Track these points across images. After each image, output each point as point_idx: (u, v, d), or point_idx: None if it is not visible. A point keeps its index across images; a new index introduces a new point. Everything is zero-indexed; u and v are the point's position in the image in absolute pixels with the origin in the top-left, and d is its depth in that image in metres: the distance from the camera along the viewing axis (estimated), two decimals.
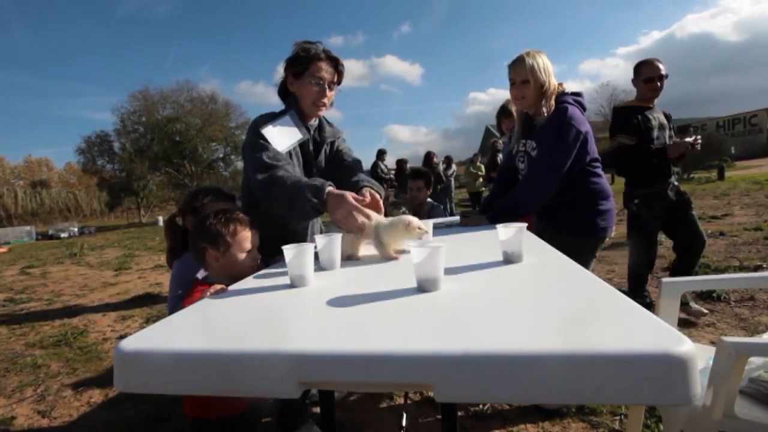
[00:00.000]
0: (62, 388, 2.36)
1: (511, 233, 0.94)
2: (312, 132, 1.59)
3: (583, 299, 0.66)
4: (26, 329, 3.62)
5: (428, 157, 7.47)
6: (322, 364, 0.52)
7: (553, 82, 1.67)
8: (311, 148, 1.58)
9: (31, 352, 3.02)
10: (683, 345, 0.45)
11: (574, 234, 1.68)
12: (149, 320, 3.11)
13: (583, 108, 1.69)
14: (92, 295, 4.89)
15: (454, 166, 9.99)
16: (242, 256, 1.16)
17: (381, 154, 7.90)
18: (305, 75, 1.47)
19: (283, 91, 1.57)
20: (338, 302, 0.73)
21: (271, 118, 1.47)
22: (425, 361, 0.50)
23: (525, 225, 0.97)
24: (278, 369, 0.52)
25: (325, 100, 1.50)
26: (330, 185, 1.21)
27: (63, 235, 16.45)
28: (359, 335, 0.58)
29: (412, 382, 0.51)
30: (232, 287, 0.94)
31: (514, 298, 0.70)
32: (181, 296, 1.12)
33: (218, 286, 0.94)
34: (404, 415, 1.44)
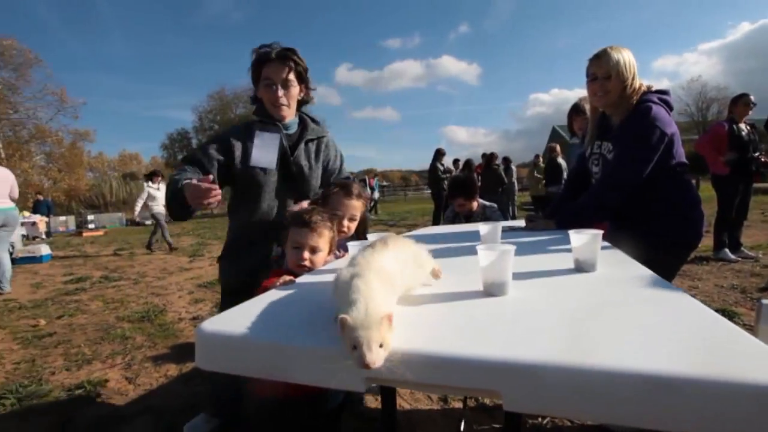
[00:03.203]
0: (145, 359, 2.62)
1: (585, 240, 0.89)
2: (290, 130, 1.62)
3: (669, 317, 0.61)
4: (117, 304, 4.07)
5: (489, 158, 7.26)
6: (389, 362, 0.52)
7: (637, 81, 1.55)
8: (285, 143, 1.58)
9: (121, 324, 3.38)
10: None
11: (656, 245, 1.54)
12: (217, 305, 3.35)
13: (669, 107, 1.55)
14: (170, 278, 5.37)
15: (513, 168, 9.62)
16: (289, 251, 1.22)
17: (439, 154, 7.82)
18: (261, 79, 1.51)
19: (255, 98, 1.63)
20: (402, 300, 0.73)
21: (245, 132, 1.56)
22: (495, 367, 0.48)
23: (600, 232, 0.91)
24: (346, 363, 0.54)
25: (283, 100, 1.51)
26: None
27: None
28: (426, 335, 0.58)
29: (480, 388, 0.50)
30: (301, 279, 0.99)
31: (590, 309, 0.66)
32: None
33: (287, 278, 0.99)
34: (463, 422, 1.41)
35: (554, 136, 31.92)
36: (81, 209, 21.98)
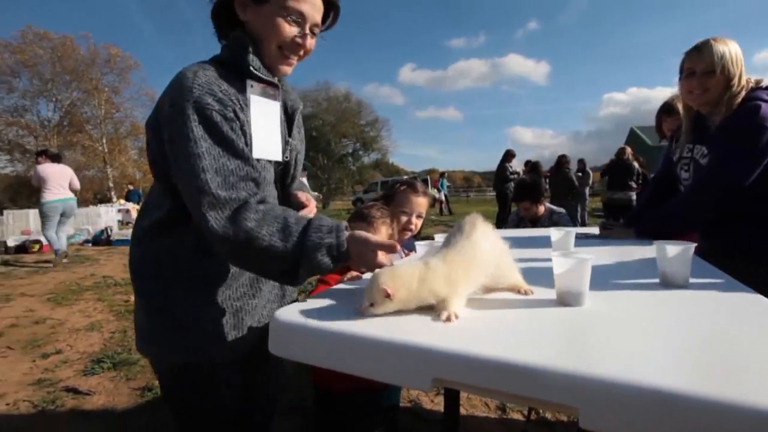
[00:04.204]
0: None
1: (675, 252, 0.81)
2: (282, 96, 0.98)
3: None
4: None
5: (559, 160, 6.87)
6: (461, 365, 0.52)
7: (744, 77, 1.37)
8: (284, 118, 0.99)
9: None
10: None
11: (758, 261, 1.36)
12: (302, 292, 3.51)
13: None
14: None
15: (589, 172, 9.02)
16: None
17: (508, 155, 7.56)
18: (274, 1, 0.84)
19: (225, 17, 0.90)
20: (475, 303, 0.72)
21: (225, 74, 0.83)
22: (574, 381, 0.46)
23: (693, 245, 0.82)
24: (415, 361, 0.54)
25: (302, 51, 0.91)
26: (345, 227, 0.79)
27: None
28: (496, 341, 0.56)
29: (555, 401, 0.48)
30: (367, 276, 1.01)
31: (681, 328, 0.60)
32: None
33: (354, 273, 1.01)
34: None
35: (632, 138, 29.45)
36: None
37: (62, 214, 5.69)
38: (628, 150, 6.22)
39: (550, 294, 0.75)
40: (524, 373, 0.48)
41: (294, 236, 0.74)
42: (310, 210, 1.01)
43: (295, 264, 0.74)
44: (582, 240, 1.50)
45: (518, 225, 2.64)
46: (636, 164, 6.05)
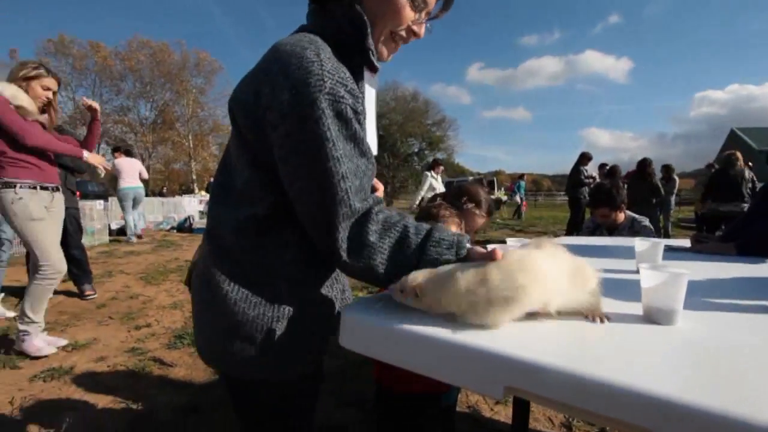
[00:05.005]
0: None
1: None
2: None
3: None
4: None
5: (642, 165, 6.30)
6: (536, 376, 0.50)
7: None
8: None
9: None
10: None
11: None
12: (362, 288, 3.61)
13: None
14: None
15: (676, 179, 8.16)
16: None
17: (584, 158, 7.07)
18: None
19: None
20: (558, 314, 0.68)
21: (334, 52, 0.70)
22: (660, 404, 0.42)
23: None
24: (488, 367, 0.53)
25: (411, 40, 0.81)
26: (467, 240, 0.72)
27: None
28: (574, 353, 0.53)
29: (637, 423, 0.44)
30: None
31: None
32: None
33: None
34: None
35: (733, 140, 26.15)
36: None
37: (134, 200, 7.00)
38: (739, 155, 5.49)
39: (632, 308, 0.69)
40: (606, 390, 0.45)
41: (412, 247, 0.68)
42: (378, 194, 0.88)
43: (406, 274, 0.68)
44: (671, 253, 1.37)
45: (593, 232, 2.47)
46: (748, 171, 5.33)
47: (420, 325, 0.62)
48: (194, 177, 27.60)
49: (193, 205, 11.91)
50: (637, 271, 1.05)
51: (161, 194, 18.21)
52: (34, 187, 2.37)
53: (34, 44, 27.86)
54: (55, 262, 2.41)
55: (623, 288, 0.88)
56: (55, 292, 3.87)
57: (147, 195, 9.83)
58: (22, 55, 24.43)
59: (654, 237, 2.02)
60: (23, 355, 2.44)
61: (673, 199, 8.04)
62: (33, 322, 2.44)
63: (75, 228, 3.64)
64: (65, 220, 3.60)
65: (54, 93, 2.49)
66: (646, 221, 2.41)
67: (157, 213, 10.62)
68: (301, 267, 0.75)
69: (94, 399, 2.02)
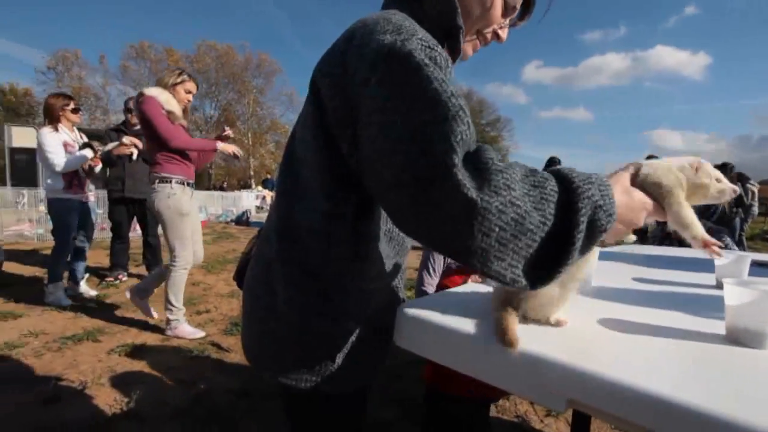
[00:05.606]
0: None
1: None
2: None
3: None
4: None
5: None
6: (602, 390, 0.47)
7: None
8: None
9: None
10: None
11: None
12: (410, 288, 3.64)
13: None
14: None
15: (753, 187, 7.29)
16: None
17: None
18: None
19: None
20: (625, 327, 0.65)
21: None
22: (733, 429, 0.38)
23: None
24: (551, 378, 0.51)
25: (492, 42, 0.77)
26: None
27: None
28: (646, 369, 0.49)
29: None
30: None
31: None
32: None
33: (476, 277, 1.00)
34: None
35: None
36: None
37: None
38: None
39: (712, 327, 0.63)
40: (685, 414, 0.42)
41: (553, 196, 0.51)
42: None
43: (566, 237, 0.50)
44: (756, 268, 1.23)
45: (662, 242, 2.29)
46: None
47: (480, 329, 0.60)
48: (252, 173, 29.13)
49: (251, 200, 12.56)
50: (716, 286, 0.97)
51: (222, 188, 19.35)
52: (182, 183, 2.63)
53: (119, 49, 30.77)
54: (189, 253, 2.69)
55: (701, 303, 0.81)
56: (129, 275, 4.25)
57: (209, 189, 10.49)
58: (108, 58, 27.13)
59: (736, 249, 1.84)
60: (101, 330, 2.71)
61: (755, 209, 7.22)
62: (179, 309, 2.73)
63: (153, 217, 3.97)
64: (146, 210, 3.97)
65: (192, 95, 2.79)
66: (724, 232, 2.20)
67: (217, 206, 11.32)
68: (370, 282, 0.71)
69: (159, 374, 2.20)
